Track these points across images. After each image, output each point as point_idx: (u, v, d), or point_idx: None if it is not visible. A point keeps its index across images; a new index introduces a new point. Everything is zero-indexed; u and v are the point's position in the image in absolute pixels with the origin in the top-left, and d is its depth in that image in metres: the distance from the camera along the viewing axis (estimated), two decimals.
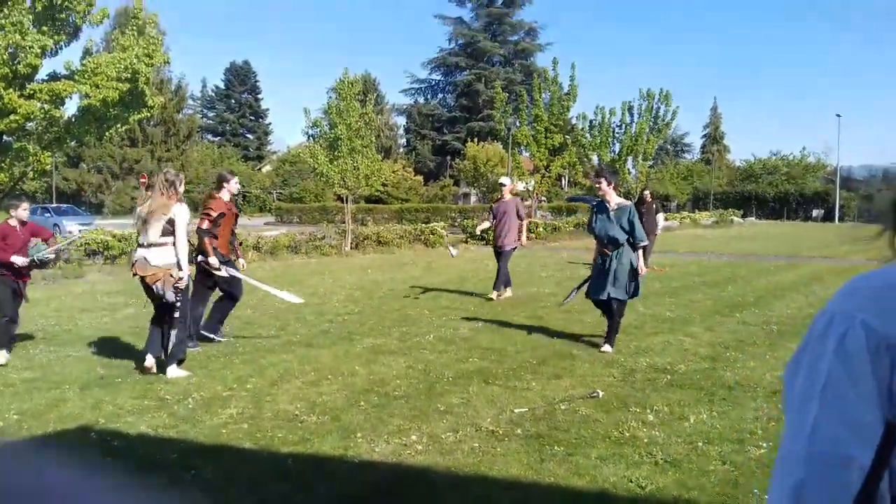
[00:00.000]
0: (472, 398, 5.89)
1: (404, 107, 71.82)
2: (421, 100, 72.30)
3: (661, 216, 15.60)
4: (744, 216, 51.36)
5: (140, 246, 6.68)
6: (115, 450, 4.71)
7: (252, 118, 73.64)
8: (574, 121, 33.94)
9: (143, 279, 6.61)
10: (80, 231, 19.48)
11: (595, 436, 4.98)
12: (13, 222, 7.35)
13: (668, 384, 6.31)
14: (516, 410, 5.53)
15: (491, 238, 11.96)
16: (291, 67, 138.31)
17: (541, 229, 25.82)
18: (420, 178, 57.56)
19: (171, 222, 6.58)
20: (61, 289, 12.68)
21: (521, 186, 41.51)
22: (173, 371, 6.56)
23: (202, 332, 8.00)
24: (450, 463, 4.51)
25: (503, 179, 12.17)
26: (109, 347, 7.81)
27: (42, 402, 5.74)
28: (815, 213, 58.33)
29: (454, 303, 11.00)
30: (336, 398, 5.90)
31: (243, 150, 69.32)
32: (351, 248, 21.21)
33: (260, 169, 66.31)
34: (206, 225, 7.84)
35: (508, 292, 11.60)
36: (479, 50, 67.43)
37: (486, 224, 11.90)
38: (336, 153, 27.66)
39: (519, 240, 11.57)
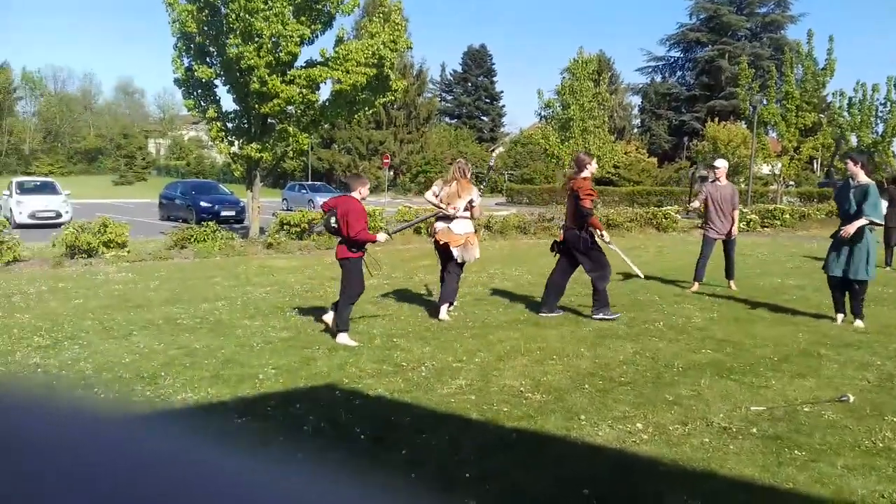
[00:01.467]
0: (703, 391, 5.63)
1: (640, 86, 69.52)
2: (658, 78, 69.52)
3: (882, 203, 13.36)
4: None
5: (440, 219, 8.26)
6: (356, 408, 5.11)
7: (487, 100, 75.32)
8: (830, 98, 30.90)
9: (441, 244, 8.20)
10: None
11: (843, 443, 4.55)
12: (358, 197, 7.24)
13: None
14: (753, 408, 5.20)
15: (705, 222, 11.07)
16: (526, 49, 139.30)
17: (787, 216, 23.86)
18: (654, 159, 55.56)
19: (470, 201, 8.17)
20: (314, 258, 13.91)
21: (765, 170, 38.65)
22: (443, 314, 8.14)
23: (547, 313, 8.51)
24: (677, 455, 4.36)
25: (718, 162, 11.23)
26: (355, 313, 8.42)
27: (296, 360, 6.36)
28: None
29: (687, 290, 10.54)
30: (560, 378, 5.92)
31: (478, 132, 71.19)
32: None
33: (493, 151, 67.82)
34: (589, 204, 8.33)
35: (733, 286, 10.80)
36: (722, 24, 63.35)
37: (698, 204, 11.10)
38: (568, 134, 27.53)
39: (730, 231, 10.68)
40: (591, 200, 8.38)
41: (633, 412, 5.11)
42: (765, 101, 29.97)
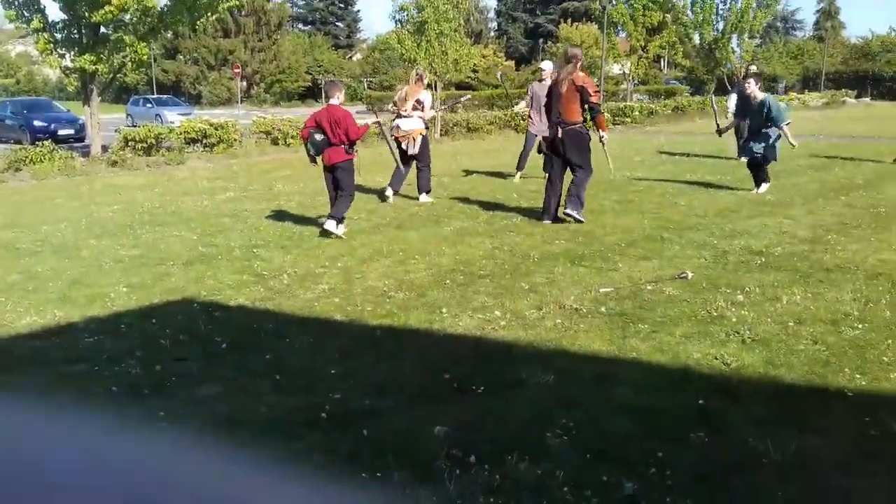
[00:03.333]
0: (557, 278, 5.90)
1: None
2: None
3: (732, 97, 13.84)
4: (858, 97, 47.87)
5: (398, 116, 9.50)
6: (215, 319, 5.01)
7: (341, 5, 72.60)
8: None
9: (397, 139, 9.46)
10: (179, 121, 20.05)
11: (681, 315, 4.94)
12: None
13: (762, 266, 6.13)
14: (602, 290, 5.52)
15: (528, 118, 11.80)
16: None
17: (636, 113, 24.89)
18: (511, 62, 56.00)
19: (419, 102, 9.47)
20: (164, 174, 13.24)
21: (616, 69, 39.90)
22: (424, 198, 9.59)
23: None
24: (532, 337, 4.59)
25: (544, 64, 12.09)
26: (210, 228, 8.18)
27: (149, 277, 6.12)
28: None
29: (542, 186, 10.84)
30: (423, 276, 6.03)
31: (333, 39, 68.84)
32: (440, 135, 21.10)
33: (350, 57, 66.05)
34: (597, 100, 8.42)
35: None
36: None
37: (523, 105, 12.05)
38: (423, 38, 27.14)
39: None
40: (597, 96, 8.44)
41: (491, 302, 5.30)
42: (613, 2, 30.63)
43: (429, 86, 10.78)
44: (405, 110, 9.41)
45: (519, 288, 5.64)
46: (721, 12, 31.28)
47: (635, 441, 3.32)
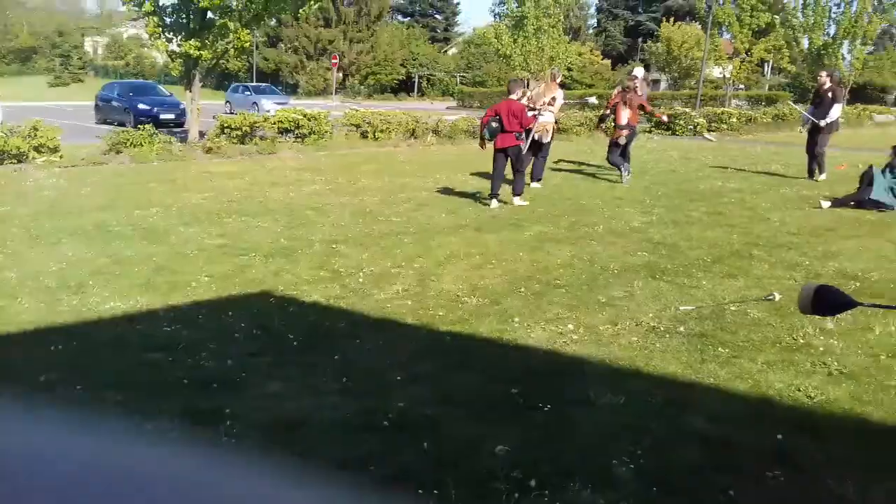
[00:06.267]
0: (635, 292, 5.73)
1: None
2: None
3: (836, 107, 12.03)
4: None
5: (530, 110, 10.00)
6: (289, 315, 5.09)
7: None
8: None
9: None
10: (275, 110, 20.57)
11: (765, 340, 4.71)
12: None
13: (855, 292, 5.76)
14: (681, 308, 5.32)
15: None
16: None
17: (734, 119, 24.00)
18: (608, 62, 55.04)
19: (553, 99, 10.78)
20: (255, 164, 13.59)
21: (717, 73, 38.60)
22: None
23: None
24: (605, 355, 4.46)
25: (637, 71, 12.88)
26: (294, 220, 8.33)
27: (230, 267, 6.27)
28: None
29: (629, 193, 10.62)
30: (498, 283, 5.97)
31: (431, 32, 69.27)
32: None
33: (446, 51, 66.29)
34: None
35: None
36: None
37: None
38: (521, 33, 26.91)
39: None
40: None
41: (565, 314, 5.19)
42: (720, 1, 29.63)
43: (562, 84, 12.36)
44: (542, 104, 10.41)
45: (595, 301, 5.50)
46: (834, 15, 29.86)
47: (705, 475, 3.17)
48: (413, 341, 4.70)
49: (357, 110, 19.31)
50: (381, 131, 17.54)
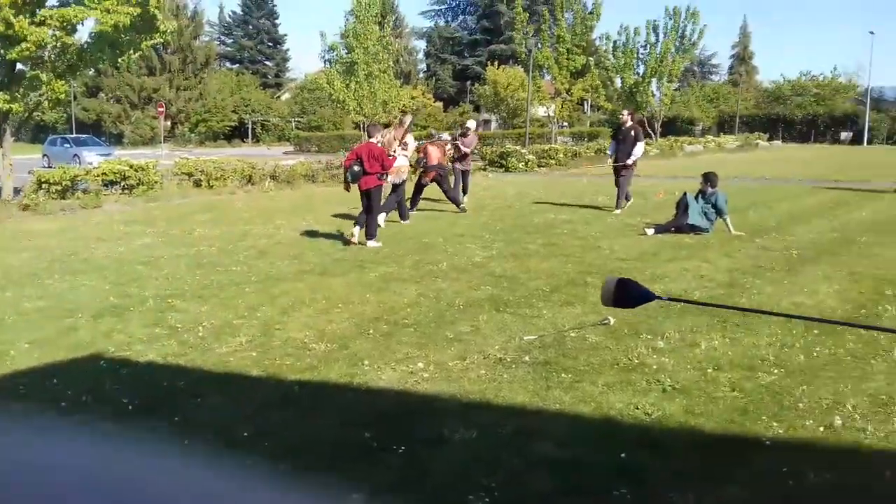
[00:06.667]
0: (481, 326, 5.85)
1: (424, 30, 70.40)
2: (441, 22, 70.72)
3: (640, 145, 12.76)
4: (770, 139, 50.16)
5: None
6: (123, 378, 4.75)
7: (270, 44, 72.44)
8: (598, 42, 33.02)
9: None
10: (98, 162, 19.44)
11: (603, 363, 4.93)
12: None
13: (681, 311, 6.20)
14: (525, 338, 5.48)
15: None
16: None
17: (561, 155, 25.40)
18: (440, 104, 56.72)
19: (404, 143, 11.04)
20: (79, 219, 12.74)
21: (541, 112, 40.77)
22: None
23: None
24: (455, 390, 4.50)
25: (470, 123, 14.47)
26: (124, 276, 7.85)
27: (54, 331, 5.79)
28: (843, 135, 56.64)
29: (469, 230, 10.90)
30: (345, 326, 5.89)
31: (262, 78, 68.49)
32: None
33: (278, 97, 65.70)
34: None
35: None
36: None
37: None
38: (352, 78, 27.18)
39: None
40: None
41: (415, 352, 5.20)
42: (539, 45, 31.44)
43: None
44: (394, 150, 10.49)
45: (443, 337, 5.56)
46: (642, 56, 32.47)
47: (558, 499, 3.25)
48: (260, 393, 4.52)
49: (188, 158, 18.65)
50: (216, 179, 17.03)
